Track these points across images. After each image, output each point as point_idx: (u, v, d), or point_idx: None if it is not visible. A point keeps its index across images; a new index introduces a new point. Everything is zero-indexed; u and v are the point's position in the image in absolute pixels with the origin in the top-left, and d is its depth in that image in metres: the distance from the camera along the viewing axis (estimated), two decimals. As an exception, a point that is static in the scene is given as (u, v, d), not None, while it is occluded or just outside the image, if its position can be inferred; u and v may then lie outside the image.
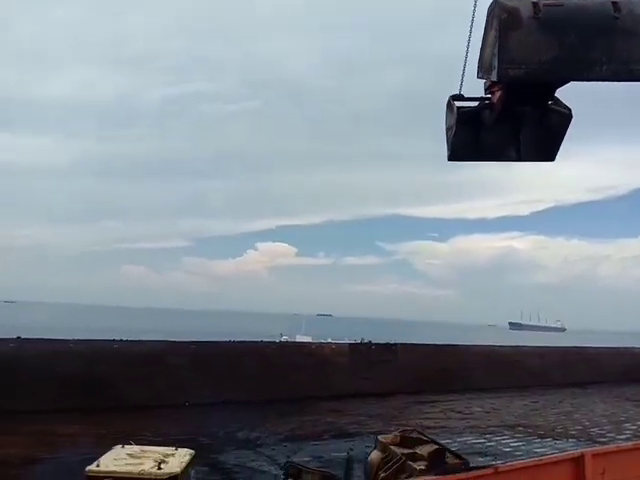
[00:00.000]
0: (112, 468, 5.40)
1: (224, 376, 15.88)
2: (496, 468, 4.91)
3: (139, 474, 5.30)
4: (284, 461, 9.59)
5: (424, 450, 6.63)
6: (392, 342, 20.77)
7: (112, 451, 6.03)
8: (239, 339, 20.40)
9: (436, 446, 6.74)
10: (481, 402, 17.65)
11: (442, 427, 13.26)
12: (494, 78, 7.01)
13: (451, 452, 6.79)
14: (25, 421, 11.57)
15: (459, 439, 11.88)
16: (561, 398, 19.50)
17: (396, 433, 7.38)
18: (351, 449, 10.67)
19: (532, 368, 22.91)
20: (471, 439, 11.96)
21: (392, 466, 6.46)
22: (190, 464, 6.04)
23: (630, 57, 6.60)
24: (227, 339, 19.81)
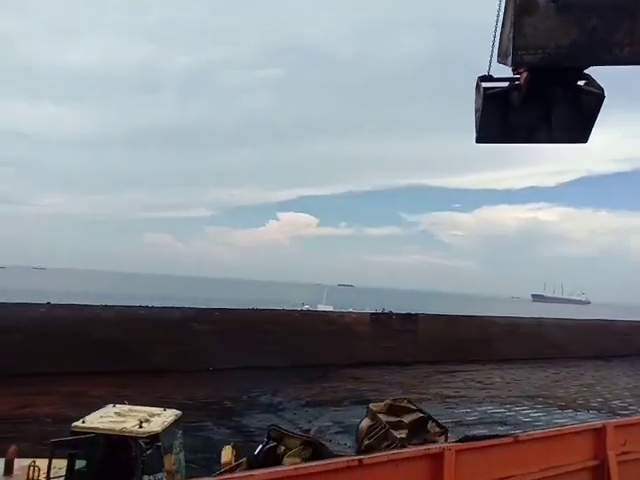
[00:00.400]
0: (96, 425, 5.55)
1: (247, 342, 16.20)
2: (516, 437, 4.92)
3: (120, 431, 5.45)
4: (307, 425, 9.82)
5: (408, 418, 6.85)
6: (413, 312, 20.81)
7: (102, 409, 6.11)
8: (262, 307, 20.72)
9: (421, 415, 6.88)
10: (502, 373, 17.68)
11: (462, 397, 13.36)
12: (510, 64, 6.82)
13: (434, 421, 6.92)
14: (57, 383, 12.03)
15: (479, 408, 11.97)
16: (583, 370, 19.41)
17: (387, 401, 7.48)
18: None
19: (554, 340, 22.79)
20: (491, 408, 12.04)
21: (376, 434, 6.68)
22: (174, 424, 6.11)
23: None
24: (250, 307, 20.12)
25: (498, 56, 6.59)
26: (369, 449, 6.60)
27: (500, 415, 11.42)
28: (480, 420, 10.85)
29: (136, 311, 15.82)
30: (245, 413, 10.78)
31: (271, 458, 5.66)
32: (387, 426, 6.68)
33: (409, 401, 7.60)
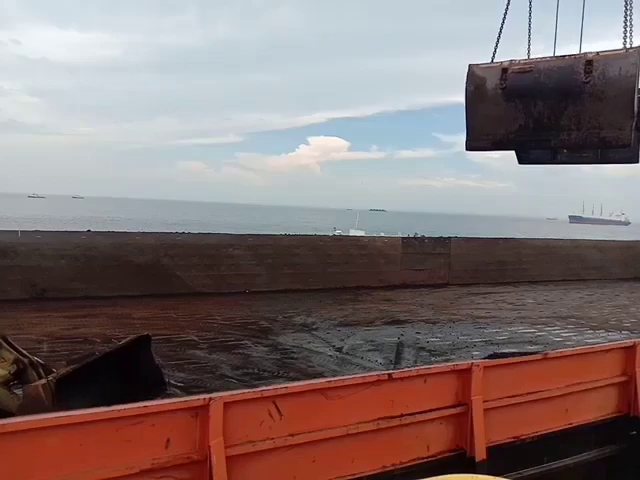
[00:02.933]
0: None
1: (281, 266, 16.58)
2: (545, 354, 5.04)
3: None
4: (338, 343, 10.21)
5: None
6: (445, 236, 20.73)
7: None
8: (293, 233, 20.97)
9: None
10: (534, 294, 17.71)
11: (493, 317, 13.52)
12: (465, 149, 7.23)
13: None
14: (103, 306, 12.70)
15: (509, 328, 12.13)
16: (619, 292, 19.24)
17: None
18: (402, 334, 11.17)
19: (590, 262, 22.50)
20: (521, 329, 12.18)
21: None
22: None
23: (600, 123, 5.94)
24: (281, 233, 20.40)
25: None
26: None
27: (530, 335, 11.56)
28: (510, 340, 11.03)
29: (173, 237, 16.27)
30: (281, 332, 11.22)
31: None
32: None
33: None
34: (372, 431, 3.97)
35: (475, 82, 6.93)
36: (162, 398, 4.71)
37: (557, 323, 13.05)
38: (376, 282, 17.53)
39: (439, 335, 11.25)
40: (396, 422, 4.07)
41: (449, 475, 1.08)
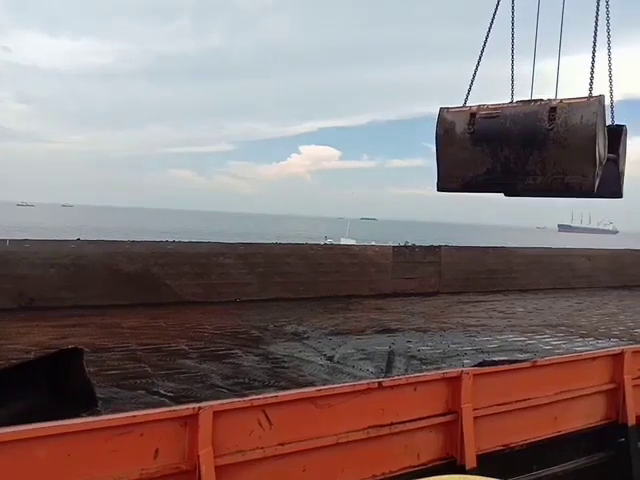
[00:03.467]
0: None
1: (272, 275, 16.56)
2: (534, 362, 5.08)
3: None
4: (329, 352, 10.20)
5: None
6: (436, 245, 20.83)
7: None
8: (284, 242, 20.98)
9: None
10: (524, 303, 17.81)
11: (483, 325, 13.57)
12: (436, 190, 7.68)
13: None
14: (91, 315, 12.60)
15: (499, 337, 12.17)
16: (607, 300, 19.40)
17: None
18: (393, 343, 11.18)
19: (579, 270, 22.68)
20: (512, 337, 12.23)
21: None
22: None
23: (564, 169, 6.17)
24: (273, 241, 20.40)
25: None
26: None
27: (520, 343, 11.61)
28: (500, 348, 11.07)
29: (164, 245, 16.20)
30: (272, 341, 11.19)
31: None
32: None
33: None
34: (362, 440, 3.97)
35: (445, 126, 7.29)
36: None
37: (547, 331, 13.12)
38: (367, 291, 17.55)
39: (430, 344, 11.28)
40: (386, 431, 4.08)
41: (441, 476, 1.09)
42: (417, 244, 23.01)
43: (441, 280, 19.35)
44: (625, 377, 5.58)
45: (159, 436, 3.25)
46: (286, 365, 9.50)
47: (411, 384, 4.19)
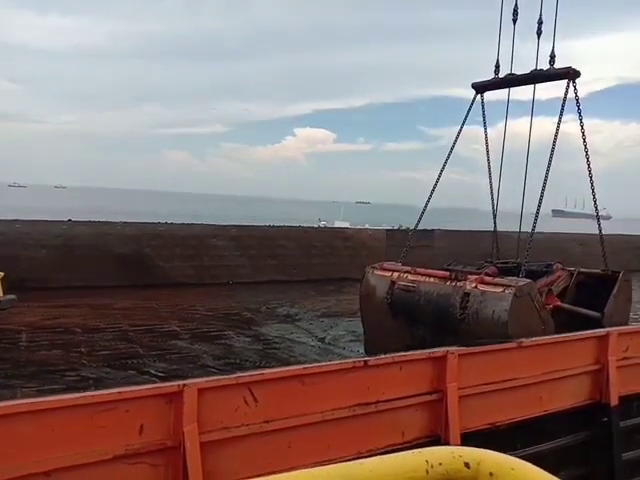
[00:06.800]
0: None
1: (265, 257, 16.57)
2: (520, 342, 5.11)
3: None
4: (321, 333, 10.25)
5: None
6: (429, 228, 20.83)
7: None
8: (278, 224, 20.94)
9: None
10: (515, 286, 17.90)
11: (474, 308, 13.67)
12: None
13: None
14: (82, 296, 12.60)
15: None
16: (598, 284, 19.51)
17: None
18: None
19: (571, 255, 22.77)
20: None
21: None
22: None
23: None
24: (267, 224, 20.36)
25: None
26: None
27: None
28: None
29: (155, 227, 16.14)
30: (264, 323, 11.24)
31: None
32: None
33: None
34: (348, 417, 4.01)
35: (367, 289, 7.42)
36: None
37: (536, 314, 13.21)
38: (360, 274, 17.55)
39: (420, 326, 11.34)
40: (372, 409, 4.11)
41: (431, 447, 1.10)
42: (411, 228, 23.01)
43: (435, 264, 19.37)
44: (609, 358, 5.64)
45: (144, 413, 3.27)
46: (277, 346, 9.56)
47: (397, 363, 4.22)
